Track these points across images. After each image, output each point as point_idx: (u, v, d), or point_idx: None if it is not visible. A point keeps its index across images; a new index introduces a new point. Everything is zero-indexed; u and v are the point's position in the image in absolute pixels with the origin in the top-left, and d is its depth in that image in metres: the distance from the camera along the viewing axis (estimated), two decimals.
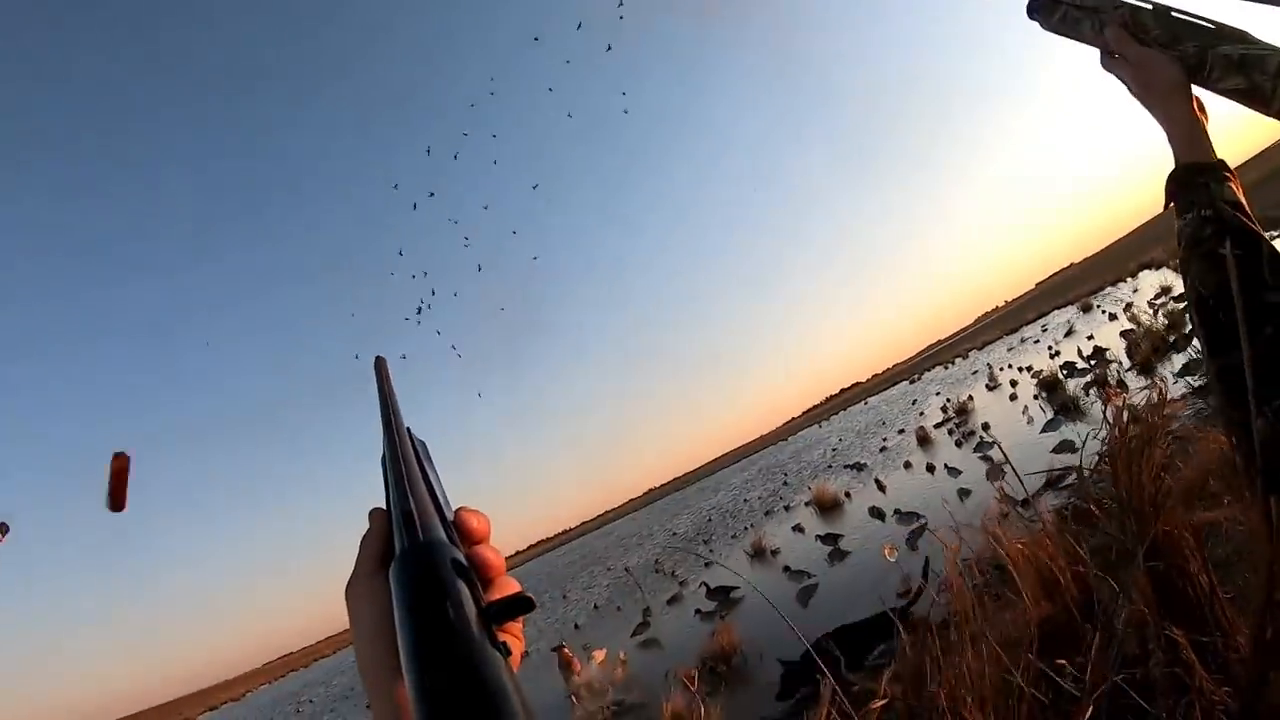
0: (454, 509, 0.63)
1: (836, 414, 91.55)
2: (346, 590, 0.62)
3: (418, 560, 0.59)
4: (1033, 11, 1.43)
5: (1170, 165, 1.30)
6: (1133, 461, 2.43)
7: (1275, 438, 1.09)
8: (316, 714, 25.66)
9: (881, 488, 15.73)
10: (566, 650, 14.04)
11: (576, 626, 17.60)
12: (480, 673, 0.58)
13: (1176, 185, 1.29)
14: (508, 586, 0.61)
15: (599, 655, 12.11)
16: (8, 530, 1.94)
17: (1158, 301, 20.54)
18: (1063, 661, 2.15)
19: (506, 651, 0.59)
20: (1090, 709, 1.87)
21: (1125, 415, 2.81)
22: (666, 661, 10.53)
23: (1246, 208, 1.23)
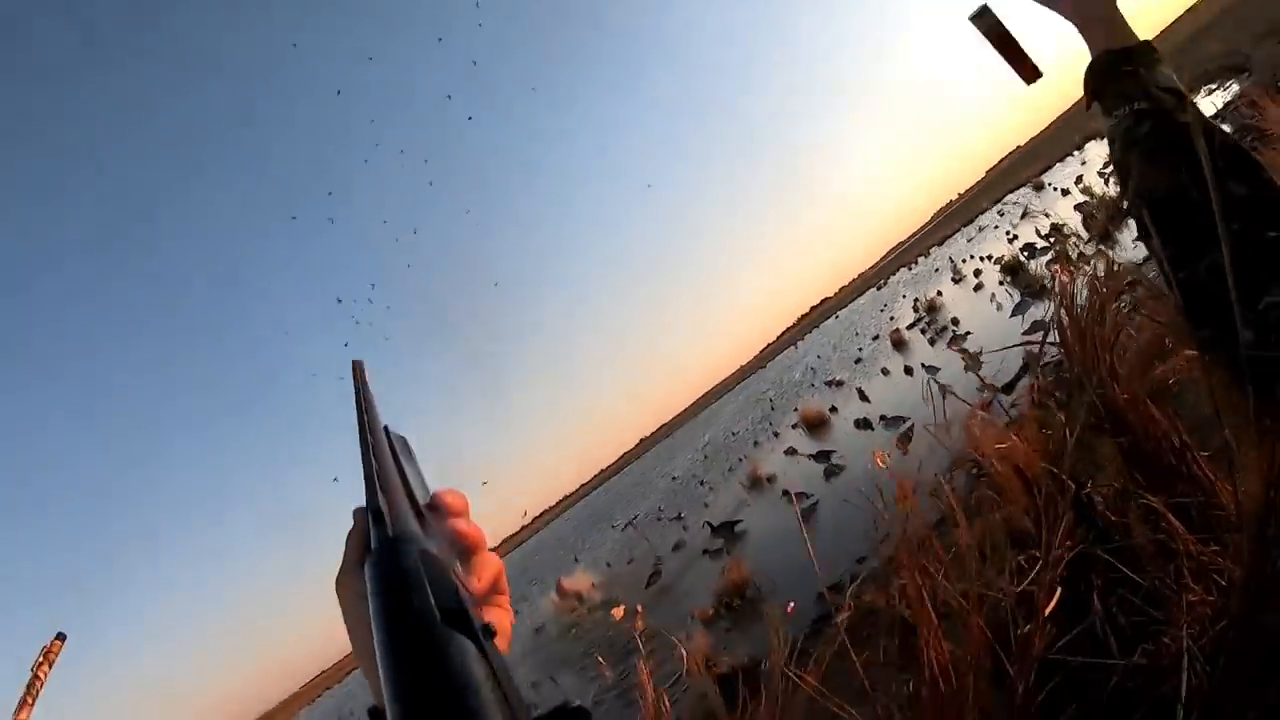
0: (430, 492, 0.69)
1: (810, 332, 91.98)
2: (335, 585, 0.66)
3: (384, 555, 0.60)
4: None
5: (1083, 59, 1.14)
6: (1085, 334, 2.40)
7: (1264, 341, 0.97)
8: None
9: (865, 398, 15.82)
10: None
11: (593, 585, 17.79)
12: (442, 664, 0.56)
13: (1101, 79, 1.12)
14: (489, 562, 0.66)
15: (618, 612, 12.20)
16: (64, 639, 1.91)
17: (1107, 170, 20.57)
18: (1035, 552, 2.14)
19: (490, 633, 0.58)
20: (1056, 580, 1.86)
21: (1072, 287, 2.78)
22: (683, 606, 10.66)
23: (1184, 92, 1.06)
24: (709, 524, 13.33)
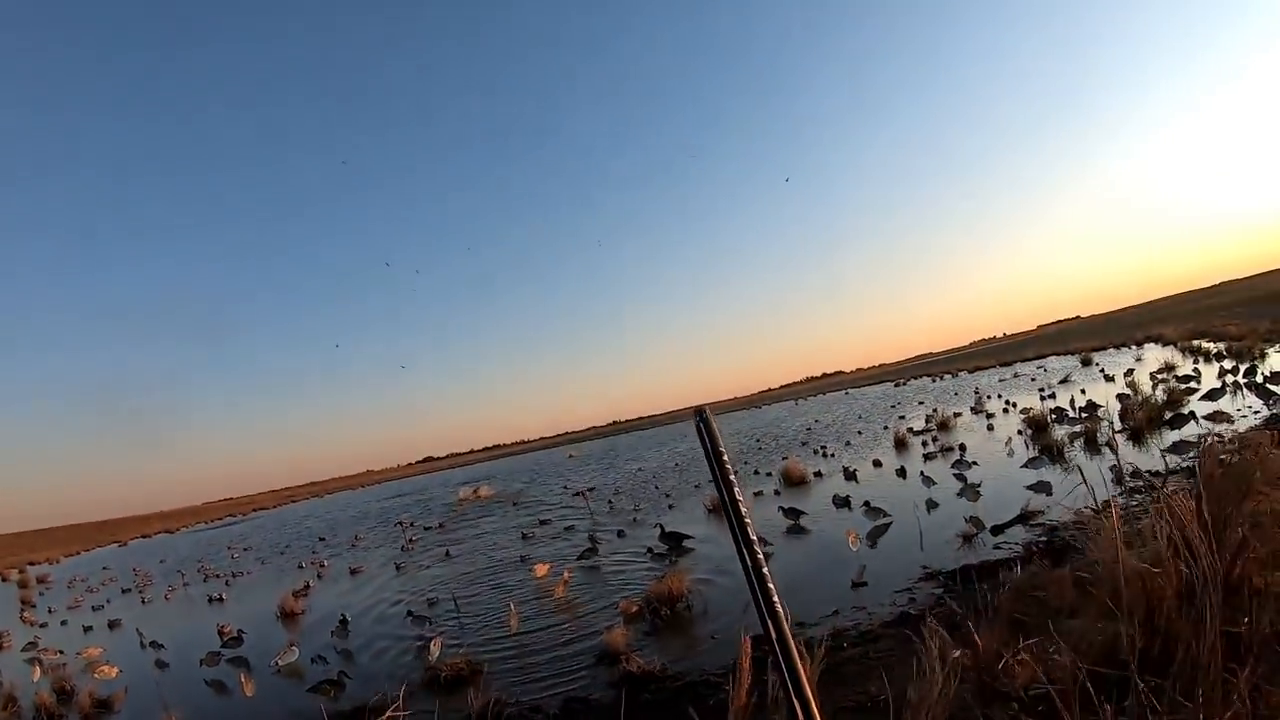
0: None
1: (815, 396, 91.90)
2: None
3: None
4: None
5: None
6: (1225, 497, 2.35)
7: None
8: (249, 563, 25.68)
9: (851, 477, 15.83)
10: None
11: (524, 536, 17.76)
12: None
13: None
14: None
15: (541, 569, 12.15)
16: None
17: (1160, 376, 20.59)
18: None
19: None
20: None
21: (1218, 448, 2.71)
22: (609, 590, 10.62)
23: None
24: (661, 526, 13.26)
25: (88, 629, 15.56)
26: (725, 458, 1.20)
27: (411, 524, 27.83)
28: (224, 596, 17.54)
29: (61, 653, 12.75)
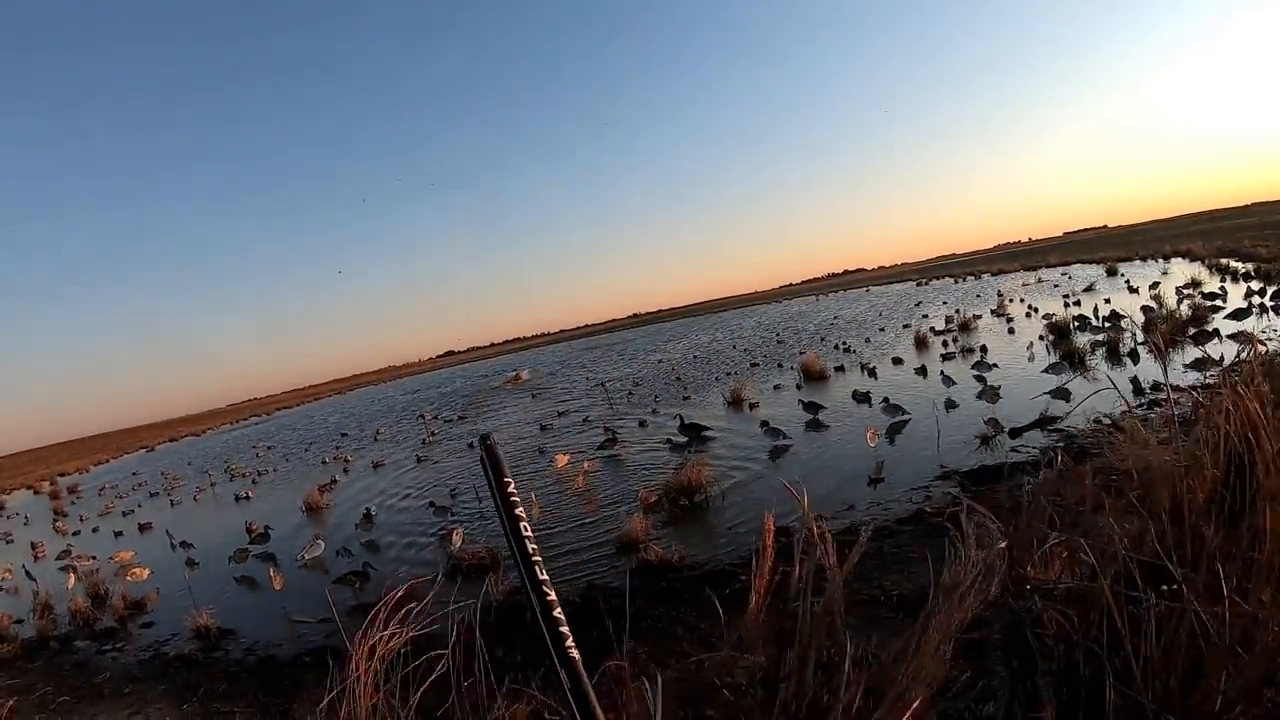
0: None
1: (837, 292, 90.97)
2: None
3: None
4: None
5: None
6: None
7: None
8: (274, 460, 26.07)
9: (872, 374, 15.73)
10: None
11: (544, 427, 17.88)
12: None
13: None
14: None
15: (561, 460, 12.25)
16: None
17: (1185, 291, 20.16)
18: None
19: None
20: None
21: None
22: (628, 481, 10.67)
23: None
24: (681, 417, 13.24)
25: (118, 534, 15.89)
26: (511, 489, 1.08)
27: (434, 417, 28.19)
28: (250, 495, 17.92)
29: (94, 559, 13.02)
